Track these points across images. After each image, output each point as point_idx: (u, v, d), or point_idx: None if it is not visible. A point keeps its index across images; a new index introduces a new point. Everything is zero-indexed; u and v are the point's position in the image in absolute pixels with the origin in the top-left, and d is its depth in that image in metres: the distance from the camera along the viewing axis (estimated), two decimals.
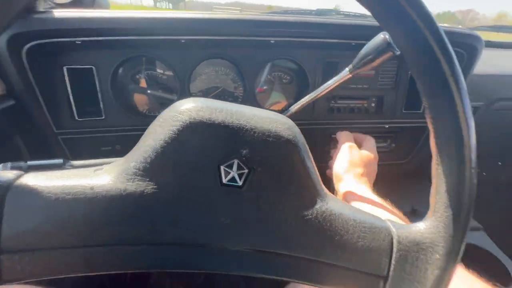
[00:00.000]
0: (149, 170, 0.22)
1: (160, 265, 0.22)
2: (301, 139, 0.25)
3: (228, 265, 0.24)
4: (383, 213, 0.38)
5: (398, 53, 0.36)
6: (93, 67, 0.53)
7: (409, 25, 0.20)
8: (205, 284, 1.02)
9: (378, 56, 0.37)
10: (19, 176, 0.20)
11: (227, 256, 0.23)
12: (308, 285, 0.25)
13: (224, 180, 0.23)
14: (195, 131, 0.22)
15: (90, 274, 0.21)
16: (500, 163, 1.16)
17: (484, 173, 1.17)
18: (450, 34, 0.57)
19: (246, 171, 0.23)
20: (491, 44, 1.08)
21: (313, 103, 0.66)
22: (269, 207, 0.23)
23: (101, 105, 0.56)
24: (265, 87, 0.68)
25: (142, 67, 0.60)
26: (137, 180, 0.21)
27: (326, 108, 0.67)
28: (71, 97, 0.54)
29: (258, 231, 0.23)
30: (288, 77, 0.68)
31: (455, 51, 0.62)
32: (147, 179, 0.21)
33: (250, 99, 0.64)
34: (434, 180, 0.24)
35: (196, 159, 0.22)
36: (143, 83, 0.61)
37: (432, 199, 0.25)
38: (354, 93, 0.67)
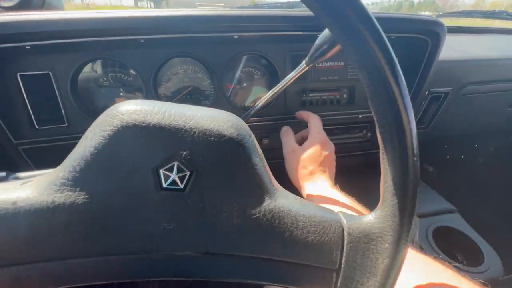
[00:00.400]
0: (79, 180, 0.20)
1: (101, 277, 0.21)
2: (246, 136, 0.24)
3: (177, 271, 0.23)
4: (342, 208, 0.38)
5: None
6: (49, 72, 0.51)
7: (342, 18, 0.19)
8: (194, 286, 1.02)
9: (333, 44, 0.37)
10: None
11: (174, 262, 0.23)
12: (262, 283, 0.25)
13: (164, 184, 0.22)
14: (129, 135, 0.21)
15: None
16: (476, 145, 1.20)
17: (462, 156, 1.21)
18: (412, 21, 0.57)
19: (187, 173, 0.22)
20: (461, 30, 1.10)
21: (284, 98, 0.66)
22: (214, 209, 0.23)
23: (63, 112, 0.54)
24: (237, 85, 0.67)
25: (105, 69, 0.58)
26: (66, 191, 0.20)
27: (298, 102, 0.67)
28: (28, 105, 0.51)
29: (204, 234, 0.23)
30: (260, 72, 0.68)
31: (419, 38, 0.63)
32: (77, 189, 0.20)
33: (221, 97, 0.63)
34: (382, 171, 0.24)
35: (131, 165, 0.21)
36: (106, 87, 0.59)
37: (381, 188, 0.25)
38: (325, 85, 0.67)
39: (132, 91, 0.61)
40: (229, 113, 0.25)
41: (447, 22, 0.67)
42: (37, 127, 0.53)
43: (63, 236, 0.20)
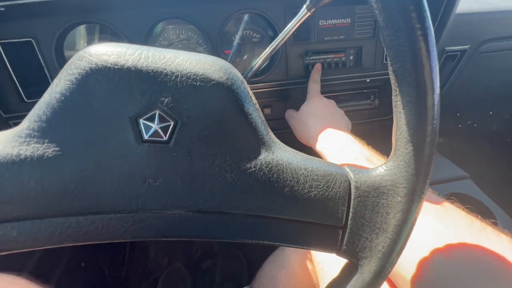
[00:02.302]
0: (46, 130, 0.18)
1: (84, 237, 0.19)
2: (237, 81, 0.21)
3: (167, 230, 0.21)
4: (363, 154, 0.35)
5: None
6: (31, 39, 0.47)
7: None
8: (202, 260, 1.05)
9: None
10: None
11: (163, 221, 0.21)
12: (262, 243, 0.23)
13: (146, 136, 0.19)
14: (99, 79, 0.18)
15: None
16: (491, 113, 1.14)
17: (475, 125, 1.15)
18: None
19: (171, 123, 0.19)
20: None
21: (285, 61, 0.61)
22: (203, 163, 0.20)
23: (51, 83, 0.51)
24: (236, 51, 0.62)
25: (92, 35, 0.54)
26: (33, 143, 0.18)
27: (301, 65, 0.62)
28: (14, 76, 0.49)
29: (195, 191, 0.20)
30: (258, 35, 0.62)
31: None
32: (46, 140, 0.18)
33: None
34: (394, 115, 0.21)
35: (105, 113, 0.19)
36: None
37: (393, 137, 0.22)
38: (330, 46, 0.62)
39: None
40: (217, 58, 0.22)
41: None
42: (26, 100, 0.51)
43: (36, 193, 0.18)
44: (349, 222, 0.22)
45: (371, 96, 0.73)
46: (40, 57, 0.49)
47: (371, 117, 0.77)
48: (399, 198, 0.21)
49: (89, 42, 0.56)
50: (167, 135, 0.20)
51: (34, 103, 0.56)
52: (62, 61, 0.51)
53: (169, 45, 0.59)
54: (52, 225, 0.19)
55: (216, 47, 0.57)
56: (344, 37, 0.61)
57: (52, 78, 0.51)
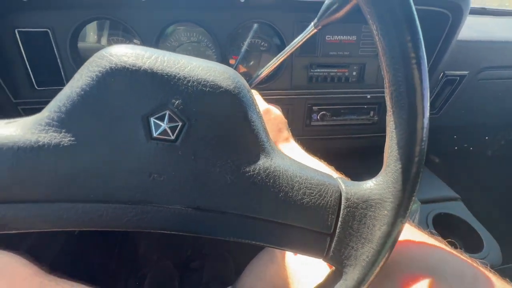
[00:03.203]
0: (64, 121, 0.19)
1: (86, 224, 0.21)
2: (244, 90, 0.22)
3: (166, 224, 0.22)
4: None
5: None
6: (48, 30, 0.49)
7: None
8: (191, 259, 1.05)
9: (343, 4, 0.34)
10: None
11: (163, 215, 0.22)
12: (253, 244, 0.24)
13: (155, 133, 0.21)
14: (118, 78, 0.20)
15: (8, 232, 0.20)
16: (487, 138, 1.16)
17: (471, 148, 1.18)
18: None
19: (179, 124, 0.21)
20: (485, 12, 1.03)
21: (290, 72, 0.64)
22: (206, 163, 0.22)
23: (62, 73, 0.53)
24: (242, 57, 0.64)
25: (107, 31, 0.56)
26: (51, 131, 0.19)
27: (305, 77, 0.64)
28: (27, 64, 0.50)
29: (195, 189, 0.22)
30: (266, 44, 0.65)
31: (440, 12, 0.59)
32: (63, 130, 0.19)
33: None
34: (387, 133, 0.23)
35: (120, 110, 0.20)
36: None
37: (385, 154, 0.23)
38: (334, 61, 0.64)
39: None
40: (226, 66, 0.23)
41: (473, 1, 0.63)
42: (36, 87, 0.52)
43: (50, 178, 0.19)
44: (337, 230, 0.23)
45: (370, 112, 0.75)
46: (54, 47, 0.51)
47: (369, 132, 0.78)
48: (386, 211, 0.22)
49: (100, 36, 0.57)
50: (175, 134, 0.21)
51: (43, 91, 0.58)
52: (75, 53, 0.53)
53: (179, 46, 0.61)
54: (60, 209, 0.20)
55: (224, 52, 0.59)
56: (348, 53, 0.63)
57: (64, 69, 0.52)
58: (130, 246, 1.07)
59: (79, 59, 0.54)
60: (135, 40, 0.56)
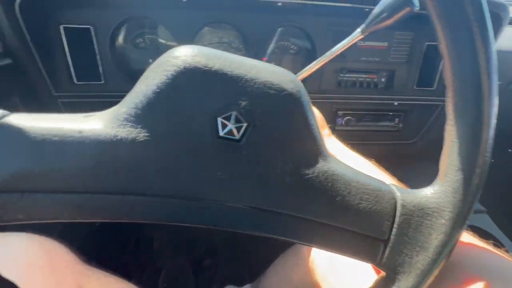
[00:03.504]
0: (140, 117, 0.20)
1: (152, 217, 0.22)
2: (305, 94, 0.23)
3: (224, 222, 0.23)
4: (381, 176, 0.36)
5: (417, 8, 0.33)
6: (90, 27, 0.51)
7: None
8: (204, 257, 1.06)
9: (394, 12, 0.34)
10: (4, 115, 0.19)
11: (222, 212, 0.23)
12: (307, 246, 0.24)
13: (221, 133, 0.21)
14: (190, 78, 0.21)
15: (78, 221, 0.20)
16: (510, 150, 1.13)
17: (492, 160, 1.14)
18: None
19: (244, 124, 0.22)
20: None
21: (320, 75, 0.64)
22: (268, 164, 0.22)
23: (100, 69, 0.54)
24: (271, 58, 0.65)
25: (144, 30, 0.58)
26: (128, 127, 0.20)
27: (334, 81, 0.64)
28: (69, 58, 0.52)
29: (255, 188, 0.22)
30: (296, 48, 0.65)
31: None
32: (139, 126, 0.20)
33: None
34: (446, 143, 0.23)
35: (191, 108, 0.21)
36: (142, 48, 0.58)
37: (442, 163, 0.23)
38: (364, 66, 0.64)
39: None
40: (287, 70, 0.24)
41: None
42: (75, 82, 0.54)
43: (123, 172, 0.20)
44: (392, 237, 0.23)
45: (396, 119, 0.74)
46: (95, 44, 0.52)
47: (393, 140, 0.78)
48: (443, 221, 0.22)
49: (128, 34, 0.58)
50: (240, 134, 0.22)
51: (81, 86, 0.60)
52: (114, 49, 0.54)
53: (209, 45, 0.62)
54: (129, 202, 0.21)
55: (255, 54, 0.60)
56: (379, 60, 0.63)
57: (102, 65, 0.54)
58: (145, 240, 1.09)
59: (117, 56, 0.55)
60: (167, 38, 0.57)
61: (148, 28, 0.58)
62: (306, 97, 0.23)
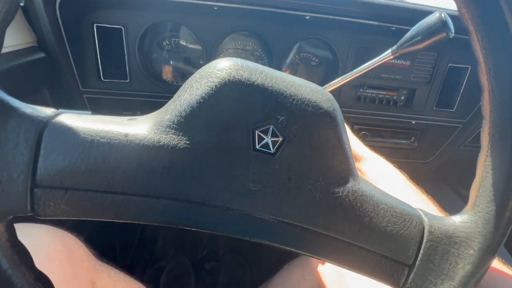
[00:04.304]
0: (183, 124, 0.21)
1: (183, 222, 0.22)
2: (339, 114, 0.23)
3: (251, 232, 0.23)
4: (419, 201, 0.36)
5: (452, 35, 0.33)
6: (122, 27, 0.53)
7: None
8: (206, 259, 1.06)
9: (428, 37, 0.35)
10: (56, 114, 0.20)
11: (251, 223, 0.23)
12: (329, 262, 0.25)
13: (257, 146, 0.22)
14: (233, 90, 0.21)
15: (117, 221, 0.21)
16: None
17: None
18: None
19: (280, 139, 0.22)
20: None
21: (340, 89, 0.64)
22: (299, 179, 0.22)
23: (127, 68, 0.56)
24: (290, 68, 0.65)
25: (170, 33, 0.59)
26: (171, 133, 0.21)
27: (354, 96, 0.64)
28: (98, 56, 0.54)
29: (285, 203, 0.23)
30: (317, 60, 0.66)
31: None
32: (181, 133, 0.21)
33: None
34: (478, 173, 0.23)
35: (231, 120, 0.21)
36: (168, 50, 0.60)
37: (473, 193, 0.23)
38: (385, 83, 0.64)
39: (190, 60, 0.61)
40: (323, 88, 0.24)
41: None
42: (102, 79, 0.56)
43: (162, 177, 0.21)
44: (417, 262, 0.23)
45: (412, 137, 0.74)
46: (125, 44, 0.54)
47: (407, 158, 0.77)
48: (472, 251, 0.22)
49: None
50: (275, 148, 0.22)
51: (107, 83, 0.62)
52: (142, 50, 0.56)
53: (233, 51, 0.63)
54: (163, 205, 0.21)
55: (277, 63, 0.61)
56: (400, 77, 0.63)
57: (130, 64, 0.56)
58: (149, 239, 1.10)
59: (143, 56, 0.57)
60: (194, 42, 0.59)
61: (175, 31, 0.59)
62: (340, 117, 0.23)
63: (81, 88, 0.55)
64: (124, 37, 0.54)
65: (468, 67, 0.63)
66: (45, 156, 0.19)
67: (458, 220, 0.23)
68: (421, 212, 0.25)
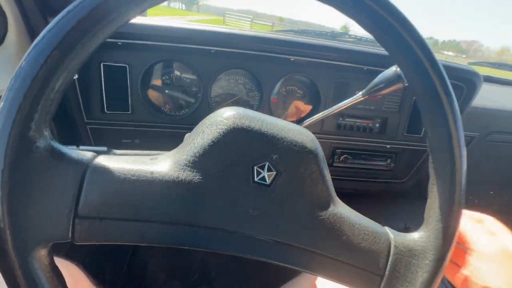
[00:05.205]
0: (197, 163, 0.26)
1: (197, 244, 0.26)
2: (320, 151, 0.29)
3: (251, 251, 0.28)
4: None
5: (406, 84, 0.41)
6: (127, 65, 0.58)
7: (415, 63, 0.25)
8: (198, 283, 1.05)
9: (388, 85, 0.43)
10: (95, 157, 0.25)
11: (251, 244, 0.28)
12: (315, 275, 0.29)
13: (256, 178, 0.27)
14: (237, 135, 0.27)
15: (139, 244, 0.25)
16: (491, 192, 1.21)
17: (476, 201, 1.22)
18: (453, 69, 0.63)
19: (274, 173, 0.28)
20: (491, 80, 1.15)
21: (322, 120, 0.72)
22: (290, 206, 0.28)
23: (129, 101, 0.61)
24: (278, 98, 0.73)
25: (170, 69, 0.65)
26: (187, 171, 0.26)
27: (335, 124, 0.72)
28: (103, 91, 0.59)
29: (279, 225, 0.28)
30: (301, 92, 0.74)
31: (456, 85, 0.69)
32: (195, 170, 0.26)
33: (264, 108, 0.70)
34: (429, 198, 0.29)
35: (235, 158, 0.27)
36: (166, 85, 0.66)
37: (426, 213, 0.29)
38: (361, 113, 0.72)
39: (187, 92, 0.67)
40: (308, 130, 0.31)
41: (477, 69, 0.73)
42: (106, 111, 0.60)
43: (178, 206, 0.25)
44: (386, 272, 0.28)
45: (388, 159, 0.82)
46: (128, 80, 0.59)
47: (384, 178, 0.85)
48: (427, 261, 0.28)
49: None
50: (270, 180, 0.27)
51: (110, 114, 0.67)
52: (144, 86, 0.61)
53: (227, 86, 0.70)
54: (178, 231, 0.26)
55: (266, 95, 0.68)
56: (374, 108, 0.72)
57: (132, 98, 0.61)
58: (139, 263, 1.08)
59: (146, 89, 0.62)
60: (191, 76, 0.65)
61: (175, 68, 0.66)
62: (321, 153, 0.29)
63: (85, 120, 0.59)
64: (128, 74, 0.59)
65: None
66: (86, 192, 0.23)
67: (416, 236, 0.29)
68: (388, 230, 0.30)
